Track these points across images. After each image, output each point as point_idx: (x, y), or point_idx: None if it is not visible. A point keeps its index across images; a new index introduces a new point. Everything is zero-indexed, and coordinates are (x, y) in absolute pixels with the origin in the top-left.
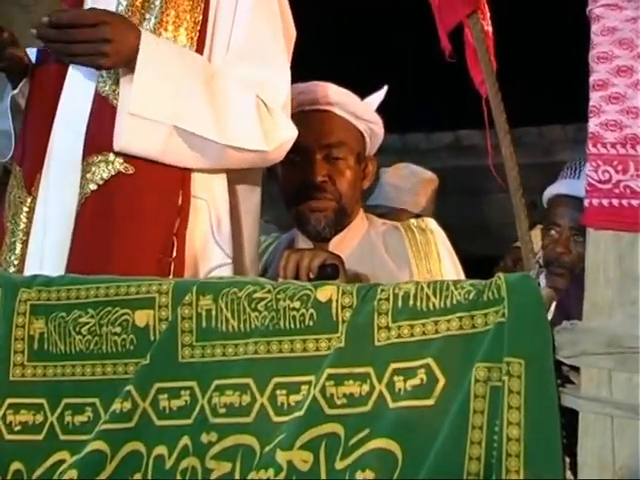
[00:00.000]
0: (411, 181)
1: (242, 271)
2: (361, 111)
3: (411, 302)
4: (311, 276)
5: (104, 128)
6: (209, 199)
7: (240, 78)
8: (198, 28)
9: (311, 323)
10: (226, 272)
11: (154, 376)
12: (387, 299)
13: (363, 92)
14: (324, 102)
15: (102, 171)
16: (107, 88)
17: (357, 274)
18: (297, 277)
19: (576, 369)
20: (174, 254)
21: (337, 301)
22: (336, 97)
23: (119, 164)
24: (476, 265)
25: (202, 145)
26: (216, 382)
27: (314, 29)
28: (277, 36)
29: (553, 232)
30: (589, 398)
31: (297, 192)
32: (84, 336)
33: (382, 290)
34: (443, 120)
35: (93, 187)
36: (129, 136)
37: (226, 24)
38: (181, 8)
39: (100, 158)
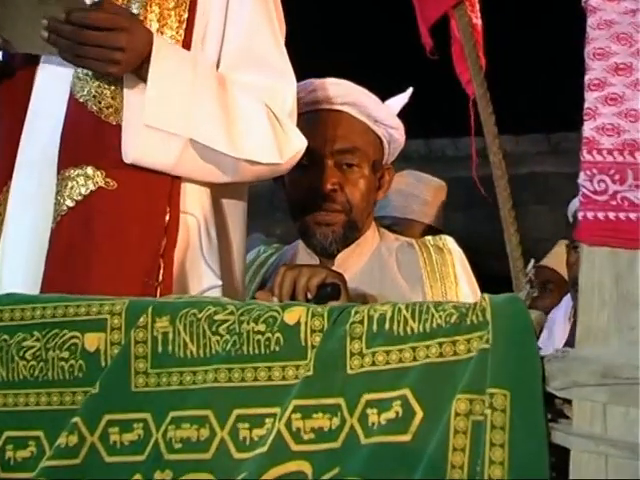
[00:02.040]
0: (419, 189)
1: (233, 293)
2: (381, 114)
3: (387, 326)
4: (309, 296)
5: (82, 138)
6: (199, 214)
7: (245, 84)
8: (184, 27)
9: (277, 348)
10: (216, 295)
11: (104, 407)
12: (361, 322)
13: (384, 96)
14: (339, 102)
15: (80, 186)
16: (85, 93)
17: (363, 295)
18: (294, 297)
19: (569, 402)
20: (160, 278)
21: (306, 324)
22: (353, 97)
23: (100, 178)
24: (508, 286)
25: (215, 158)
26: (172, 414)
27: (329, 25)
28: (278, 38)
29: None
30: (581, 435)
31: (303, 200)
32: (28, 361)
33: (356, 312)
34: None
35: (70, 204)
36: (143, 148)
37: (217, 24)
38: (165, 5)
39: (78, 172)
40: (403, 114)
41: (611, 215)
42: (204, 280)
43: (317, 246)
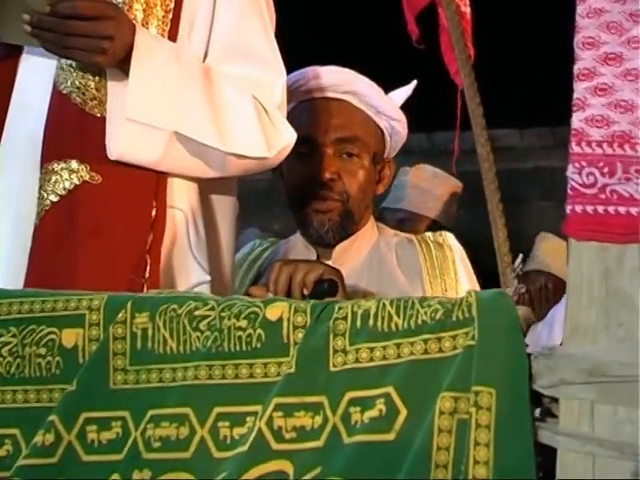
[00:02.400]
0: (438, 186)
1: (221, 288)
2: (383, 105)
3: (371, 322)
4: (305, 292)
5: (66, 131)
6: (186, 209)
7: (232, 77)
8: (170, 17)
9: (259, 345)
10: (205, 292)
11: (81, 404)
12: (344, 318)
13: (387, 88)
14: (341, 90)
15: (64, 180)
16: (69, 84)
17: (361, 291)
18: (289, 293)
19: (556, 400)
20: (147, 274)
21: (289, 320)
22: (356, 86)
23: (85, 172)
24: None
25: (202, 152)
26: (151, 412)
27: (330, 14)
28: (267, 29)
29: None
30: (568, 434)
31: (301, 189)
32: (4, 358)
33: (339, 308)
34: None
35: (54, 198)
36: (126, 143)
37: (205, 14)
38: None
39: (62, 165)
40: (405, 107)
41: (600, 209)
42: (192, 276)
43: (313, 235)
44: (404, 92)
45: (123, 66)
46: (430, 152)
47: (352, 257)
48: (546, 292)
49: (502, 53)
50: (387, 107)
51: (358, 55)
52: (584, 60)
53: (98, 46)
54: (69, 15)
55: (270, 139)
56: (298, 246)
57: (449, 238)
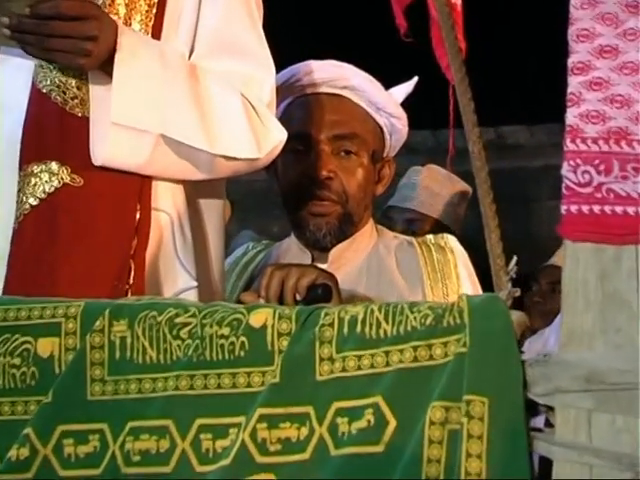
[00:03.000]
0: (449, 189)
1: (209, 295)
2: (383, 101)
3: (359, 328)
4: (298, 298)
5: (46, 131)
6: (172, 211)
7: (219, 73)
8: (154, 11)
9: (242, 353)
10: (192, 298)
11: (58, 417)
12: (331, 324)
13: (389, 85)
14: (339, 85)
15: (44, 183)
16: (48, 83)
17: (358, 296)
18: (282, 299)
19: (552, 409)
20: (131, 280)
21: (273, 327)
22: (354, 81)
23: (65, 175)
24: (520, 287)
25: (190, 154)
26: (130, 424)
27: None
28: (256, 24)
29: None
30: (564, 444)
31: (296, 188)
32: None
33: (326, 314)
34: (482, 114)
35: (34, 202)
36: (112, 148)
37: (191, 8)
38: None
39: (42, 167)
40: (408, 103)
41: (596, 208)
42: (178, 281)
43: (310, 238)
44: (405, 88)
45: (106, 68)
46: (436, 150)
47: (349, 260)
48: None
49: (509, 45)
50: (387, 103)
51: (356, 50)
52: (578, 53)
53: (81, 47)
54: (50, 16)
55: (260, 139)
56: (292, 249)
57: (451, 241)
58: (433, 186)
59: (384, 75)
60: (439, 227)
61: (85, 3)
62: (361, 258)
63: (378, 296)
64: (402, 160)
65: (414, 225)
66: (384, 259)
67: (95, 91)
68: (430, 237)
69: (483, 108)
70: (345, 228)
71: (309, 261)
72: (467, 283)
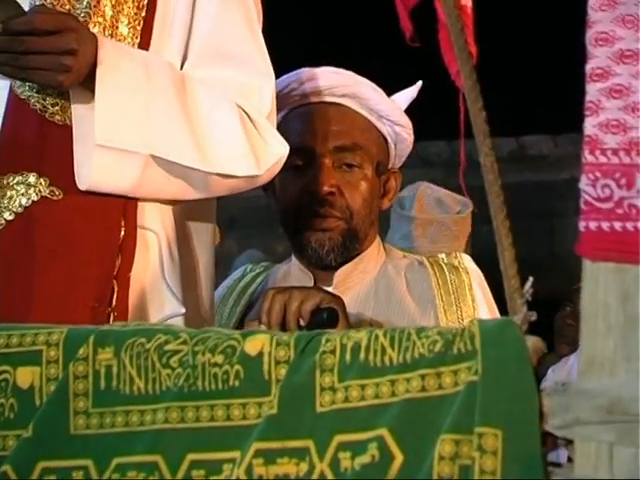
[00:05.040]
0: (450, 219)
1: (198, 322)
2: (386, 109)
3: (362, 356)
4: (302, 323)
5: (23, 140)
6: (159, 231)
7: (215, 83)
8: (143, 15)
9: (237, 383)
10: (179, 324)
11: (38, 452)
12: (333, 351)
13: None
14: (338, 93)
15: (21, 196)
16: (27, 88)
17: (366, 320)
18: (284, 325)
19: (571, 442)
20: (114, 302)
21: (270, 354)
22: (354, 88)
23: (43, 187)
24: (545, 309)
25: (183, 174)
26: (116, 460)
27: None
28: (254, 28)
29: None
30: None
31: (296, 206)
32: None
33: (327, 340)
34: (503, 123)
35: (9, 216)
36: (98, 171)
37: (184, 12)
38: None
39: (18, 179)
40: (422, 112)
41: (617, 225)
42: (165, 307)
43: (312, 257)
44: (408, 94)
45: (87, 84)
46: (452, 162)
47: (356, 282)
48: None
49: (530, 50)
50: (390, 111)
51: (361, 55)
52: (597, 58)
53: (60, 63)
54: (24, 31)
55: (259, 154)
56: (293, 271)
57: (465, 260)
58: (431, 229)
59: (394, 83)
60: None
61: (60, 15)
62: (368, 280)
63: (387, 321)
64: (417, 173)
65: None
66: (393, 280)
67: (77, 110)
68: (442, 256)
69: (503, 117)
70: (350, 245)
71: (311, 283)
72: (483, 306)
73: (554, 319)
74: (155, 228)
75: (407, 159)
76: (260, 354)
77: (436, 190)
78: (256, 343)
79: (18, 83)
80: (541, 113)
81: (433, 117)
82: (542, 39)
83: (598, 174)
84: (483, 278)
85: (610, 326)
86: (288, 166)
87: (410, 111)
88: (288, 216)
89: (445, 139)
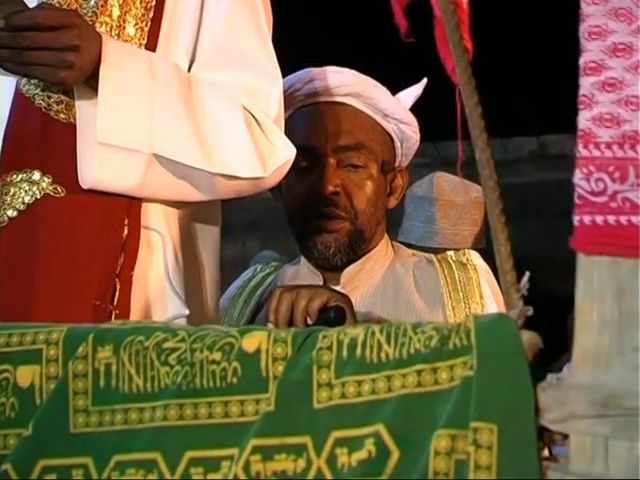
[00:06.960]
0: (468, 202)
1: (202, 322)
2: (390, 107)
3: (359, 351)
4: (309, 322)
5: (28, 138)
6: (164, 231)
7: (222, 85)
8: (150, 16)
9: (235, 380)
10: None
11: (38, 451)
12: (329, 348)
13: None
14: (342, 93)
15: (24, 193)
16: (32, 87)
17: (374, 319)
18: (291, 323)
19: (566, 436)
20: (116, 301)
21: (267, 351)
22: (358, 87)
23: (47, 184)
24: (567, 309)
25: (186, 174)
26: (116, 458)
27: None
28: (262, 30)
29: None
30: (579, 474)
31: (302, 206)
32: None
33: (324, 337)
34: (523, 122)
35: (12, 213)
36: (101, 170)
37: (193, 13)
38: None
39: (21, 177)
40: (440, 110)
41: (611, 219)
42: (169, 307)
43: (319, 258)
44: (413, 92)
45: (91, 82)
46: (471, 162)
47: (364, 281)
48: None
49: (549, 43)
50: (395, 109)
51: (366, 54)
52: (590, 52)
53: (63, 59)
54: (27, 27)
55: (264, 156)
56: (302, 271)
57: (473, 257)
58: (452, 212)
59: (399, 82)
60: None
61: (64, 11)
62: (376, 278)
63: (396, 319)
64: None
65: None
66: (401, 279)
67: (81, 108)
68: (451, 253)
69: (523, 115)
70: (356, 245)
71: (320, 283)
72: (492, 303)
73: (568, 319)
74: (160, 229)
75: (428, 159)
76: (258, 351)
77: (451, 178)
78: (253, 340)
79: (23, 81)
80: (562, 112)
81: (451, 116)
82: (567, 39)
83: (592, 168)
84: (492, 274)
85: (605, 320)
86: (293, 166)
87: (430, 111)
88: (294, 217)
89: (467, 139)
